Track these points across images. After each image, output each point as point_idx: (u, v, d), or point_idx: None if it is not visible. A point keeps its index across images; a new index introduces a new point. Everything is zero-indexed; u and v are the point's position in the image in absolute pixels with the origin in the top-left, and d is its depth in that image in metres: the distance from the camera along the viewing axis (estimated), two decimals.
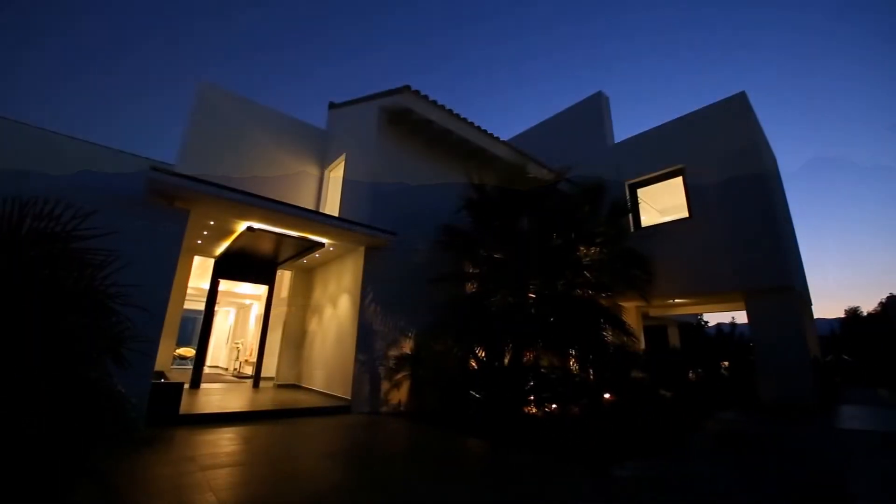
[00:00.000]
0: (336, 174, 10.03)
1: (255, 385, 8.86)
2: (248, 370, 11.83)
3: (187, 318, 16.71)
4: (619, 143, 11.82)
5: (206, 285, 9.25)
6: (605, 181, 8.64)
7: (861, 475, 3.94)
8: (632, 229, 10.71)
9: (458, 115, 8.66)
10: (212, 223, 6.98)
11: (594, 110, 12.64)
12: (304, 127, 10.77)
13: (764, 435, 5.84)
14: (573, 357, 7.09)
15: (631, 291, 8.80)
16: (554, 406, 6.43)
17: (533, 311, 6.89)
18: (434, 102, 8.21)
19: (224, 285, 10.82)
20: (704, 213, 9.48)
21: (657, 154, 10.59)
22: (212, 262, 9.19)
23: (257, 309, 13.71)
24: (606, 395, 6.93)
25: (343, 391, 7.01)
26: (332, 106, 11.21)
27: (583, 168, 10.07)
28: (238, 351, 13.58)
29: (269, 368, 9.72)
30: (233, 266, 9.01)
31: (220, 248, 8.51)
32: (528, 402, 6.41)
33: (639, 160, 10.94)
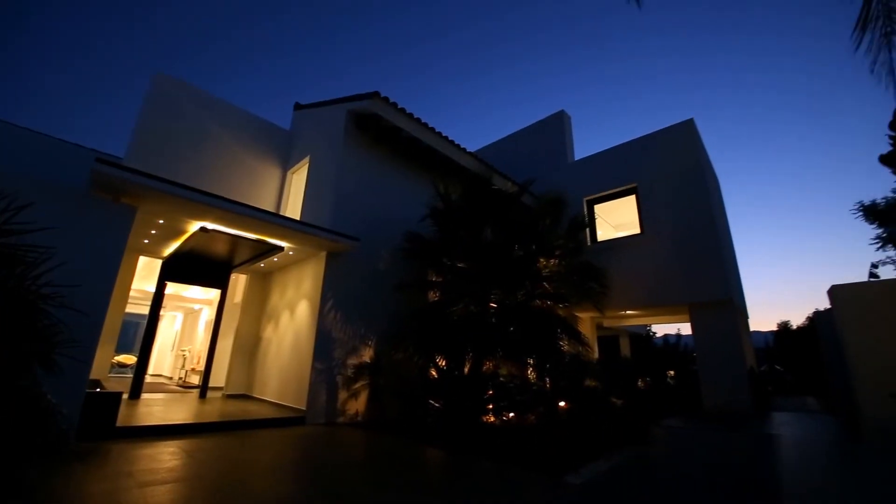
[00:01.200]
0: (299, 176, 9.79)
1: (202, 395, 8.38)
2: (195, 379, 11.19)
3: (129, 322, 15.61)
4: (578, 161, 12.34)
5: (152, 288, 8.69)
6: (565, 196, 8.97)
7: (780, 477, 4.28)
8: (589, 243, 11.15)
9: (426, 125, 8.73)
10: (161, 222, 6.60)
11: (557, 128, 13.19)
12: (267, 126, 10.45)
13: (704, 442, 6.20)
14: (531, 366, 7.27)
15: (587, 303, 9.13)
16: (511, 414, 6.53)
17: (494, 320, 7.01)
18: (403, 110, 8.24)
19: (172, 288, 10.22)
20: (655, 230, 10.04)
21: (613, 172, 11.14)
22: (159, 263, 8.66)
23: (207, 314, 13.02)
24: (562, 404, 7.12)
25: (297, 401, 6.78)
26: (297, 107, 10.98)
27: (544, 183, 10.43)
28: (184, 359, 12.80)
29: (218, 378, 9.24)
30: (182, 268, 8.53)
31: (170, 249, 8.04)
32: (487, 411, 6.48)
33: (596, 177, 11.46)
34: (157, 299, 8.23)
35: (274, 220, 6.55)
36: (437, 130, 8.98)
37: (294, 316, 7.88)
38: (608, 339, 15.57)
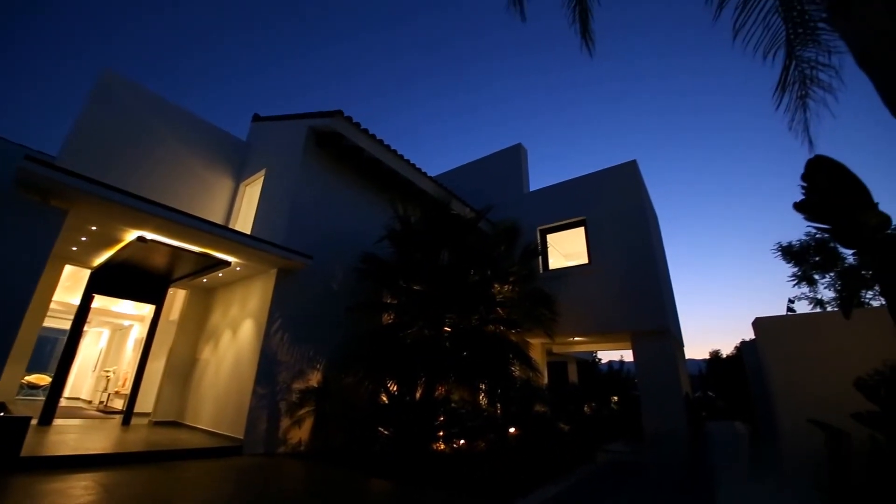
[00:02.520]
0: (253, 189, 9.44)
1: (126, 422, 7.61)
2: (118, 404, 10.16)
3: (46, 338, 14.03)
4: (533, 192, 12.88)
5: (77, 300, 7.91)
6: (520, 224, 9.29)
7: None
8: (541, 270, 11.53)
9: (388, 147, 8.79)
10: (94, 228, 6.08)
11: (514, 159, 13.77)
12: (221, 134, 10.06)
13: (644, 465, 6.45)
14: (483, 391, 7.29)
15: (538, 329, 9.37)
16: (462, 441, 6.47)
17: (448, 344, 7.00)
18: (365, 131, 8.26)
19: (99, 301, 9.35)
20: (601, 261, 10.59)
21: (565, 205, 11.72)
22: (87, 273, 7.92)
23: (138, 331, 11.96)
24: (512, 430, 7.16)
25: (235, 429, 6.32)
26: (256, 118, 10.69)
27: (501, 210, 10.77)
28: (107, 381, 11.60)
29: (146, 402, 8.45)
30: (114, 280, 7.85)
31: (101, 258, 7.40)
32: (438, 439, 6.37)
33: (549, 208, 12.00)
34: (82, 313, 7.48)
35: (222, 234, 6.24)
36: (398, 153, 9.06)
37: (237, 336, 7.44)
38: (557, 365, 15.97)
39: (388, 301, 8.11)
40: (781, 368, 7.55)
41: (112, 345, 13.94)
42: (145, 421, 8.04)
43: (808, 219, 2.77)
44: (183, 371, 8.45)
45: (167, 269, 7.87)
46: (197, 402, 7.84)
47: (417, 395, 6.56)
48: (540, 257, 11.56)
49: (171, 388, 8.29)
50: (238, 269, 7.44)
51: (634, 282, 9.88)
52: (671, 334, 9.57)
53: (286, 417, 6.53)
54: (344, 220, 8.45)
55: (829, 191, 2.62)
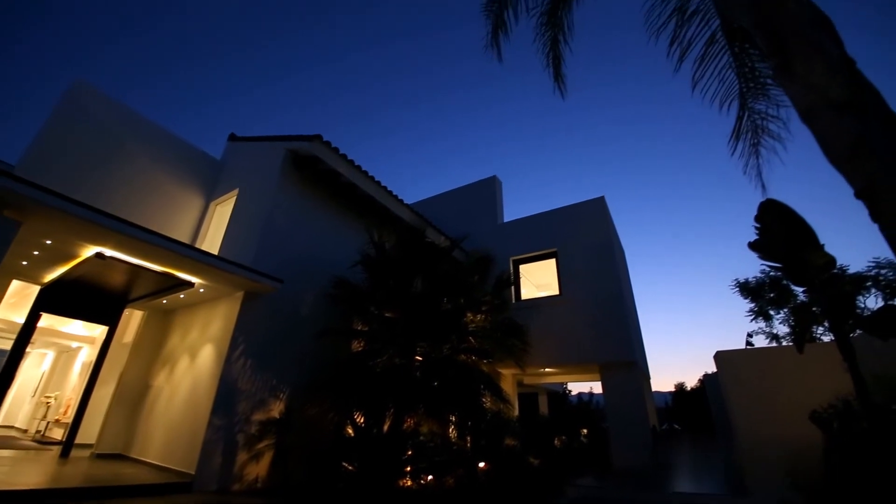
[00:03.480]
0: (224, 209, 9.21)
1: (65, 454, 6.96)
2: (58, 433, 9.33)
3: None
4: (507, 222, 13.17)
5: (21, 318, 7.34)
6: (493, 254, 9.41)
7: None
8: (513, 300, 11.62)
9: (365, 172, 8.84)
10: (49, 242, 5.74)
11: (489, 191, 14.11)
12: (193, 151, 9.85)
13: (614, 501, 6.39)
14: (453, 423, 7.12)
15: (509, 359, 9.34)
16: (430, 477, 6.24)
17: (418, 374, 6.86)
18: (344, 156, 8.30)
19: (46, 320, 8.74)
20: (572, 292, 10.79)
21: (537, 236, 12.00)
22: (36, 289, 7.40)
23: (87, 354, 11.16)
24: (482, 464, 6.98)
25: (186, 464, 5.88)
26: (232, 138, 10.57)
27: (475, 240, 10.90)
28: (48, 407, 10.67)
29: (89, 432, 7.79)
30: (65, 297, 7.36)
31: (53, 274, 6.96)
32: (405, 474, 6.12)
33: (522, 240, 12.25)
34: (26, 333, 6.90)
35: (187, 253, 6.00)
36: (376, 179, 9.11)
37: (195, 362, 7.04)
38: (528, 397, 15.87)
39: (359, 328, 7.93)
40: (741, 400, 7.77)
41: (56, 368, 12.90)
42: (87, 453, 7.39)
43: (761, 257, 2.94)
44: (133, 398, 7.88)
45: (125, 288, 7.46)
46: (146, 433, 7.28)
47: (385, 427, 6.34)
48: (513, 287, 11.67)
49: (118, 417, 7.69)
50: (202, 290, 7.14)
51: (603, 314, 10.09)
52: (638, 366, 9.74)
53: (244, 451, 6.14)
54: (317, 243, 8.32)
55: (779, 232, 2.80)
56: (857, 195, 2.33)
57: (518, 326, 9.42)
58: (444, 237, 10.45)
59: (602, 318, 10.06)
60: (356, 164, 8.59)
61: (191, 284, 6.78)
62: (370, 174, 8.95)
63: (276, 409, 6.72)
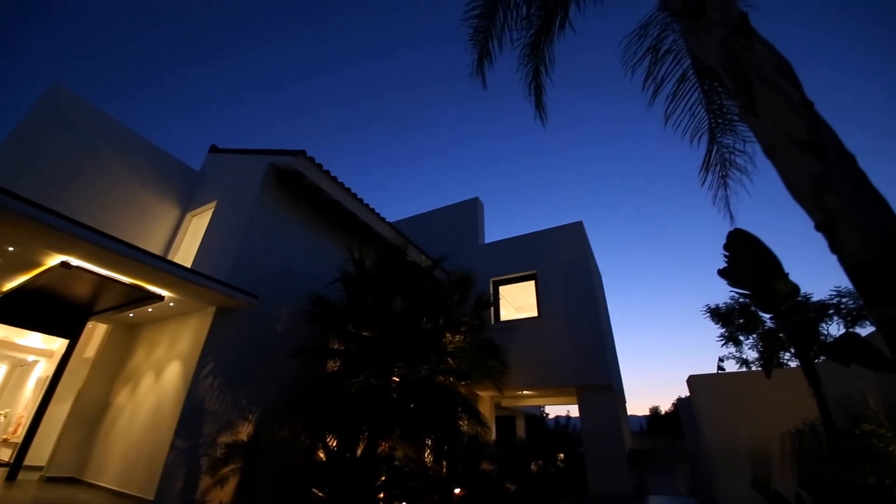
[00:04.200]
0: (200, 220, 9.00)
1: (11, 476, 6.46)
2: (5, 454, 8.66)
3: None
4: (488, 244, 13.30)
5: None
6: (474, 275, 9.44)
7: None
8: (492, 321, 11.62)
9: (348, 189, 8.83)
10: (11, 249, 5.46)
11: (470, 212, 14.29)
12: (171, 161, 9.65)
13: None
14: (429, 447, 6.97)
15: (487, 381, 9.28)
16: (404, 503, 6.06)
17: (395, 395, 6.72)
18: (327, 172, 8.28)
19: (2, 331, 8.24)
20: (550, 315, 10.88)
21: (517, 258, 12.15)
22: None
23: (43, 369, 10.51)
24: (457, 490, 6.83)
25: (145, 489, 5.54)
26: (213, 149, 10.42)
27: (456, 260, 10.92)
28: None
29: (40, 453, 7.26)
30: (24, 308, 6.98)
31: (13, 283, 6.60)
32: (378, 501, 5.92)
33: (503, 261, 12.37)
34: None
35: (159, 265, 5.80)
36: (358, 196, 9.11)
37: (160, 380, 6.72)
38: (506, 420, 15.71)
39: (336, 347, 7.77)
40: (713, 422, 7.90)
41: (8, 383, 12.06)
42: (36, 476, 6.88)
43: (730, 284, 3.05)
44: (91, 417, 7.42)
45: (89, 300, 7.13)
46: (103, 455, 6.84)
47: (359, 451, 6.15)
48: (492, 308, 11.70)
49: (74, 437, 7.21)
50: (172, 304, 6.88)
51: (580, 337, 10.19)
52: (614, 390, 9.81)
53: (207, 475, 5.83)
54: (296, 259, 8.20)
55: (747, 260, 2.92)
56: (818, 228, 2.47)
57: (497, 348, 9.40)
58: (425, 256, 10.45)
59: (579, 340, 10.15)
60: (339, 180, 8.58)
61: (160, 298, 6.54)
62: (353, 191, 8.94)
63: (245, 432, 6.44)
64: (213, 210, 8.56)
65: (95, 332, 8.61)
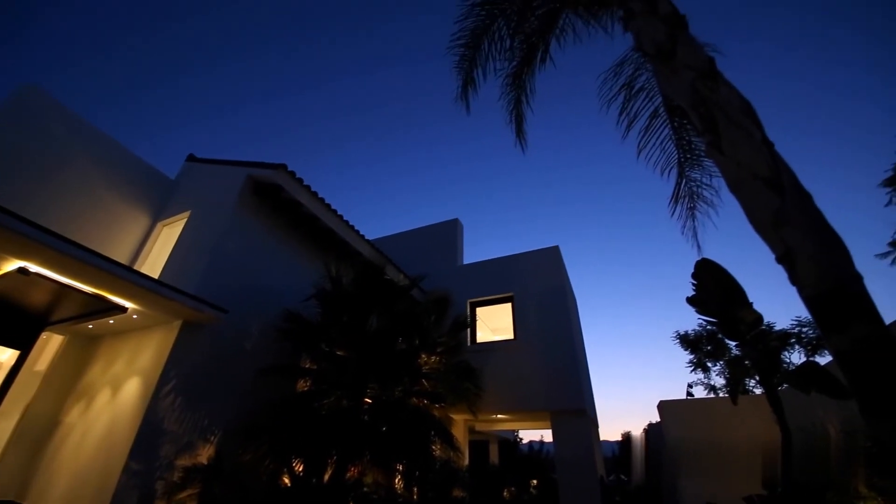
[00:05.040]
0: (172, 230, 8.72)
1: None
2: None
3: None
4: (466, 265, 13.38)
5: None
6: (451, 295, 9.45)
7: None
8: (469, 343, 11.57)
9: (328, 205, 8.77)
10: None
11: (450, 233, 14.41)
12: (145, 168, 9.35)
13: None
14: (400, 473, 6.76)
15: (462, 404, 9.16)
16: None
17: (367, 418, 6.55)
18: (308, 187, 8.23)
19: None
20: (526, 338, 10.93)
21: (495, 281, 12.23)
22: None
23: None
24: None
25: None
26: (191, 158, 10.22)
27: (434, 280, 10.92)
28: None
29: None
30: None
31: None
32: None
33: (480, 283, 12.43)
34: None
35: (125, 275, 5.55)
36: (338, 213, 9.06)
37: (117, 396, 6.34)
38: (479, 444, 15.45)
39: (307, 366, 7.55)
40: (682, 446, 8.02)
41: None
42: None
43: (698, 312, 3.16)
44: (38, 435, 6.89)
45: (46, 309, 6.72)
46: (48, 477, 6.32)
47: (326, 476, 5.92)
48: (469, 329, 11.66)
49: (16, 457, 6.65)
50: (135, 316, 6.57)
51: (556, 361, 10.24)
52: (588, 415, 9.84)
53: (162, 501, 5.47)
54: (270, 274, 8.02)
55: (713, 289, 3.04)
56: (778, 260, 2.61)
57: (473, 370, 9.35)
58: (403, 275, 10.41)
59: (554, 364, 10.19)
60: (320, 196, 8.53)
61: (124, 309, 6.24)
62: (333, 207, 8.90)
63: (205, 454, 6.11)
64: (185, 220, 8.33)
65: (50, 344, 8.08)
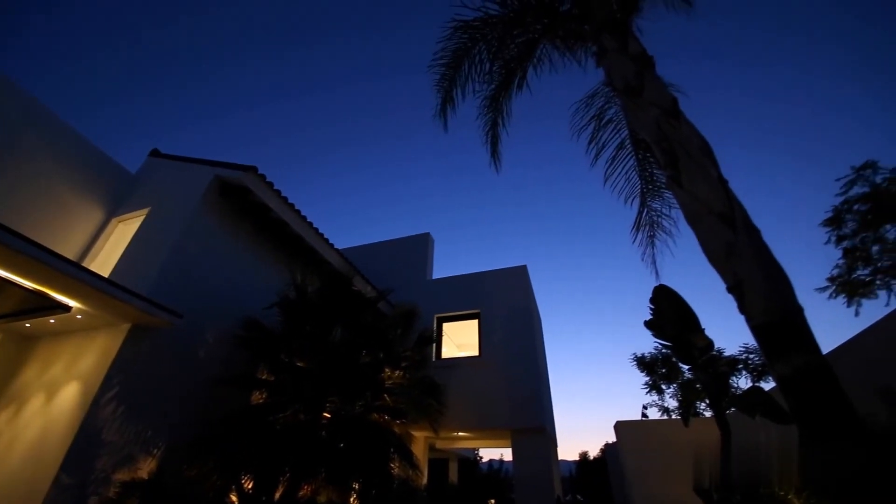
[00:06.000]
0: (127, 227, 8.26)
1: None
2: None
3: None
4: (435, 280, 13.39)
5: None
6: (418, 310, 9.38)
7: None
8: (433, 358, 11.50)
9: (298, 211, 8.60)
10: None
11: (421, 247, 14.42)
12: (103, 159, 8.81)
13: None
14: (355, 492, 6.55)
15: (424, 420, 9.02)
16: None
17: (324, 433, 6.34)
18: (278, 192, 8.05)
19: None
20: (490, 355, 10.99)
21: (462, 297, 12.29)
22: None
23: None
24: None
25: None
26: (155, 153, 9.78)
27: (402, 293, 10.86)
28: None
29: None
30: None
31: None
32: None
33: (448, 298, 12.46)
34: None
35: (72, 272, 5.18)
36: (308, 220, 8.89)
37: (52, 402, 5.84)
38: (439, 463, 15.23)
39: (264, 377, 7.26)
40: (637, 466, 8.22)
41: None
42: None
43: (654, 335, 3.30)
44: None
45: None
46: None
47: (277, 494, 5.65)
48: (434, 344, 11.60)
49: None
50: (79, 317, 6.13)
51: (519, 379, 10.32)
52: (547, 434, 9.93)
53: None
54: (231, 279, 7.72)
55: (669, 314, 3.19)
56: (729, 290, 2.78)
57: (437, 386, 9.26)
58: (370, 287, 10.28)
59: (518, 383, 10.27)
60: (290, 201, 8.36)
61: (67, 308, 5.81)
62: (303, 214, 8.72)
63: (147, 468, 5.71)
64: (143, 218, 7.92)
65: None
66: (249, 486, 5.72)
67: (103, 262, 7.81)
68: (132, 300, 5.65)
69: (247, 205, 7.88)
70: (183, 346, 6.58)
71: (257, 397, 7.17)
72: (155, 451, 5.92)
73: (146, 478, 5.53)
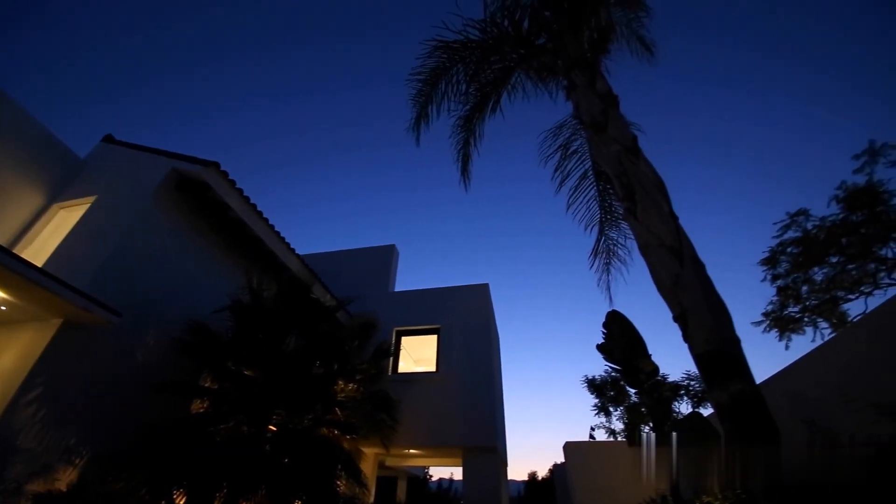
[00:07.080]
0: (70, 215, 7.66)
1: None
2: None
3: None
4: (397, 292, 13.27)
5: None
6: (378, 321, 9.25)
7: None
8: (390, 372, 11.30)
9: (260, 212, 8.32)
10: None
11: (385, 258, 14.29)
12: (49, 139, 8.12)
13: None
14: None
15: (375, 436, 8.80)
16: None
17: (269, 447, 6.04)
18: (240, 191, 7.77)
19: None
20: (447, 371, 10.94)
21: (423, 311, 12.24)
22: None
23: None
24: None
25: None
26: (108, 139, 9.18)
27: (363, 304, 10.68)
28: None
29: None
30: None
31: None
32: None
33: (409, 312, 12.36)
34: None
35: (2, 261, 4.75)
36: (270, 222, 8.62)
37: None
38: (387, 481, 14.85)
39: (208, 385, 6.86)
40: (584, 486, 8.37)
41: None
42: None
43: (605, 359, 3.44)
44: None
45: None
46: None
47: None
48: (392, 358, 11.42)
49: None
50: (3, 308, 5.59)
51: (474, 397, 10.32)
52: (498, 453, 9.95)
53: None
54: (180, 279, 7.32)
55: (620, 339, 3.34)
56: (675, 320, 2.96)
57: (391, 401, 9.09)
58: (330, 296, 10.05)
59: (472, 401, 10.26)
60: (252, 202, 8.09)
61: None
62: (265, 216, 8.45)
63: (66, 479, 5.19)
64: (88, 206, 7.39)
65: None
66: (181, 503, 5.33)
67: (38, 249, 7.18)
68: (66, 293, 5.21)
69: (205, 202, 7.55)
70: (120, 348, 6.13)
71: (198, 406, 6.76)
72: (77, 460, 5.41)
73: (64, 490, 5.03)
